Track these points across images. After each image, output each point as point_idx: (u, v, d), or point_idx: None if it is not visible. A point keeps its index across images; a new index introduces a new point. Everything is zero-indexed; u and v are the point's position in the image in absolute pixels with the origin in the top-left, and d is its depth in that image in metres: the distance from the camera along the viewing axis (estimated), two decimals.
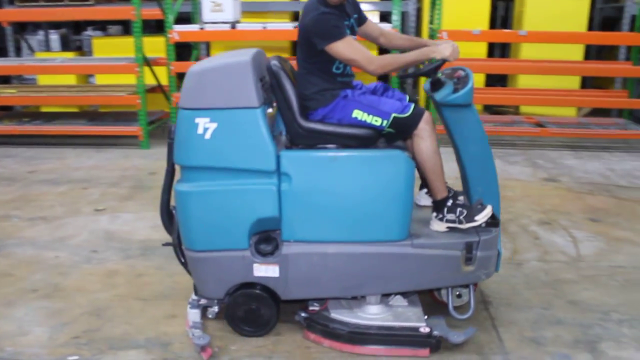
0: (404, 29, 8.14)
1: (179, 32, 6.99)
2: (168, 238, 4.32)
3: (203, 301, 3.17)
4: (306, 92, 3.07)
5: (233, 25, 6.99)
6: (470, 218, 2.98)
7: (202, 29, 7.09)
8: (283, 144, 3.05)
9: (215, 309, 3.16)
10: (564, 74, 7.73)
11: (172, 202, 3.15)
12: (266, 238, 2.99)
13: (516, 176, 5.95)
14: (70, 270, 3.89)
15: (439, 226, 3.05)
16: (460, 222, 3.00)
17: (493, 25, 8.88)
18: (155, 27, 9.61)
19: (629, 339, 3.12)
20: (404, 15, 8.18)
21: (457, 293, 3.22)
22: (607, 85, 8.91)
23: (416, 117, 2.96)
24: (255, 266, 2.97)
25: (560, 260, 4.06)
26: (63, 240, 4.37)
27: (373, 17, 7.99)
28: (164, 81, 7.55)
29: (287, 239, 2.97)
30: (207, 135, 2.84)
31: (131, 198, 5.30)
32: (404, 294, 3.17)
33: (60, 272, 3.85)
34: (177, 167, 3.08)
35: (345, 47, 2.91)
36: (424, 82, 3.25)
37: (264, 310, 3.04)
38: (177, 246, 3.17)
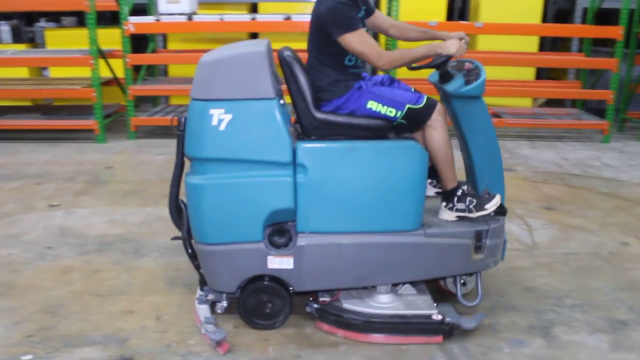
0: None
1: (134, 23, 6.86)
2: (125, 233, 4.30)
3: (211, 296, 3.14)
4: (319, 83, 3.05)
5: (189, 16, 6.91)
6: (480, 207, 3.04)
7: (158, 20, 6.98)
8: (293, 135, 3.03)
9: (224, 303, 3.13)
10: (519, 65, 7.86)
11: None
12: (280, 230, 2.98)
13: None
14: (24, 267, 3.79)
15: (448, 215, 3.09)
16: (470, 211, 3.04)
17: (450, 17, 8.97)
18: (111, 18, 9.45)
19: (580, 323, 3.20)
20: None
21: (462, 281, 3.27)
22: (560, 76, 9.11)
23: (429, 108, 2.98)
24: (270, 258, 2.95)
25: (516, 248, 4.14)
26: (16, 237, 4.26)
27: None
28: (120, 74, 7.41)
29: (302, 231, 2.96)
30: (222, 127, 2.81)
31: (87, 193, 5.20)
32: (413, 283, 3.21)
33: (13, 270, 3.76)
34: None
35: (357, 40, 2.90)
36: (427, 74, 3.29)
37: (277, 302, 3.05)
38: (187, 240, 3.12)
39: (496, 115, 7.48)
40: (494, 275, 3.71)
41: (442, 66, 3.01)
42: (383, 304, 3.11)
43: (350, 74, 3.07)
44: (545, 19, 8.77)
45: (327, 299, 3.12)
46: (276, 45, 3.24)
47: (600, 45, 8.36)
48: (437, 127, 2.98)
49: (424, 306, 3.10)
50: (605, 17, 8.57)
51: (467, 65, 3.04)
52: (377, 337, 2.99)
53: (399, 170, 2.94)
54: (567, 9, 9.55)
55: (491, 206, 3.04)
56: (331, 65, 3.03)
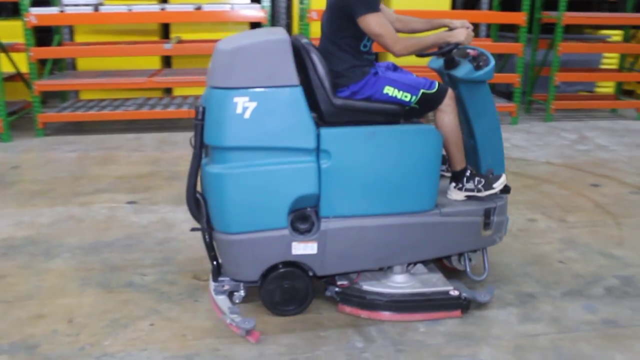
0: (274, 9, 8.11)
1: (36, 15, 6.55)
2: (34, 235, 4.12)
3: (227, 286, 3.11)
4: (336, 69, 3.05)
5: (96, 7, 6.66)
6: (488, 186, 3.20)
7: (62, 11, 6.69)
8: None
9: (242, 292, 3.11)
10: None
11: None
12: (302, 216, 2.98)
13: None
14: None
15: (457, 195, 3.23)
16: (479, 191, 3.20)
17: None
18: (12, 9, 8.98)
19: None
20: None
21: (469, 258, 3.37)
22: None
23: (442, 93, 3.08)
24: (294, 244, 2.96)
25: None
26: None
27: None
28: (24, 68, 7.07)
29: (326, 215, 2.97)
30: (247, 115, 2.78)
31: None
32: (424, 263, 3.32)
33: None
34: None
35: (378, 22, 2.93)
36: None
37: (301, 287, 3.07)
38: (207, 231, 3.05)
39: None
40: None
41: (449, 53, 3.13)
42: (400, 283, 3.20)
43: (365, 60, 3.12)
44: (454, 6, 9.00)
45: (345, 282, 3.16)
46: (186, 37, 3.18)
47: (507, 31, 8.66)
48: (448, 111, 3.10)
49: (439, 283, 3.23)
50: (511, 3, 8.88)
51: (472, 52, 3.17)
52: (401, 316, 3.09)
53: (418, 153, 3.04)
54: None
55: (498, 185, 3.21)
56: (348, 50, 3.06)
